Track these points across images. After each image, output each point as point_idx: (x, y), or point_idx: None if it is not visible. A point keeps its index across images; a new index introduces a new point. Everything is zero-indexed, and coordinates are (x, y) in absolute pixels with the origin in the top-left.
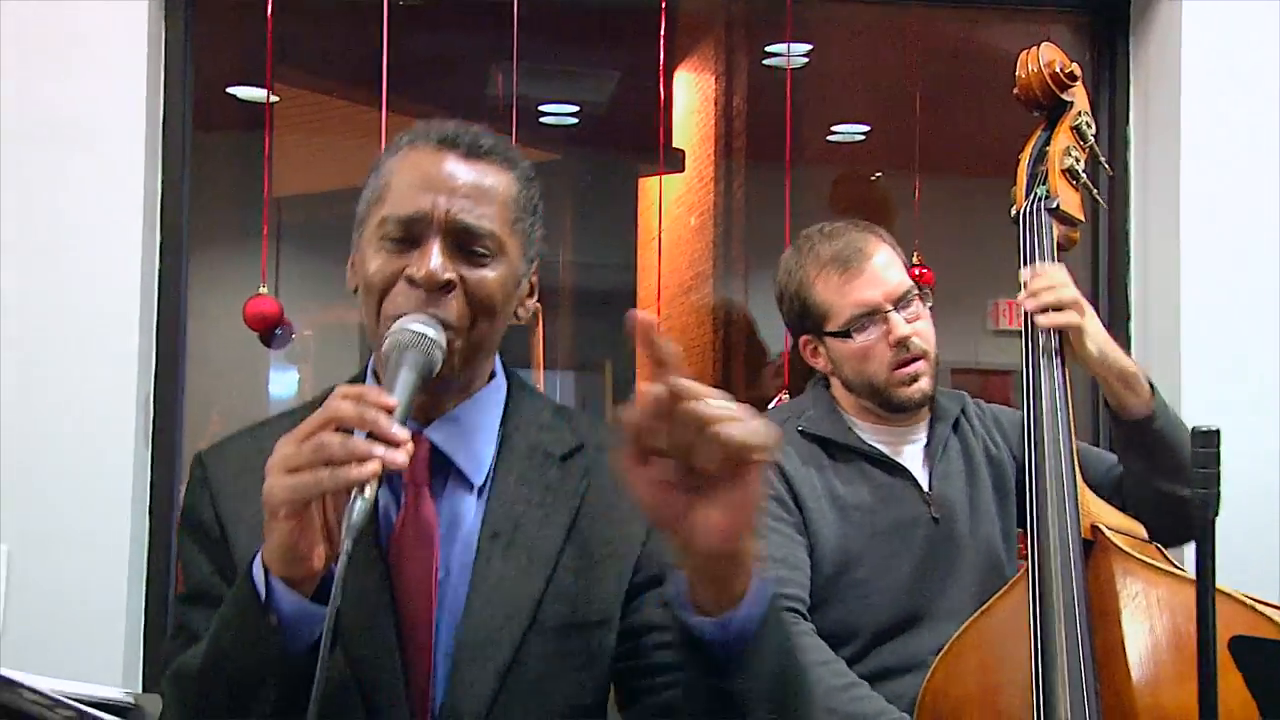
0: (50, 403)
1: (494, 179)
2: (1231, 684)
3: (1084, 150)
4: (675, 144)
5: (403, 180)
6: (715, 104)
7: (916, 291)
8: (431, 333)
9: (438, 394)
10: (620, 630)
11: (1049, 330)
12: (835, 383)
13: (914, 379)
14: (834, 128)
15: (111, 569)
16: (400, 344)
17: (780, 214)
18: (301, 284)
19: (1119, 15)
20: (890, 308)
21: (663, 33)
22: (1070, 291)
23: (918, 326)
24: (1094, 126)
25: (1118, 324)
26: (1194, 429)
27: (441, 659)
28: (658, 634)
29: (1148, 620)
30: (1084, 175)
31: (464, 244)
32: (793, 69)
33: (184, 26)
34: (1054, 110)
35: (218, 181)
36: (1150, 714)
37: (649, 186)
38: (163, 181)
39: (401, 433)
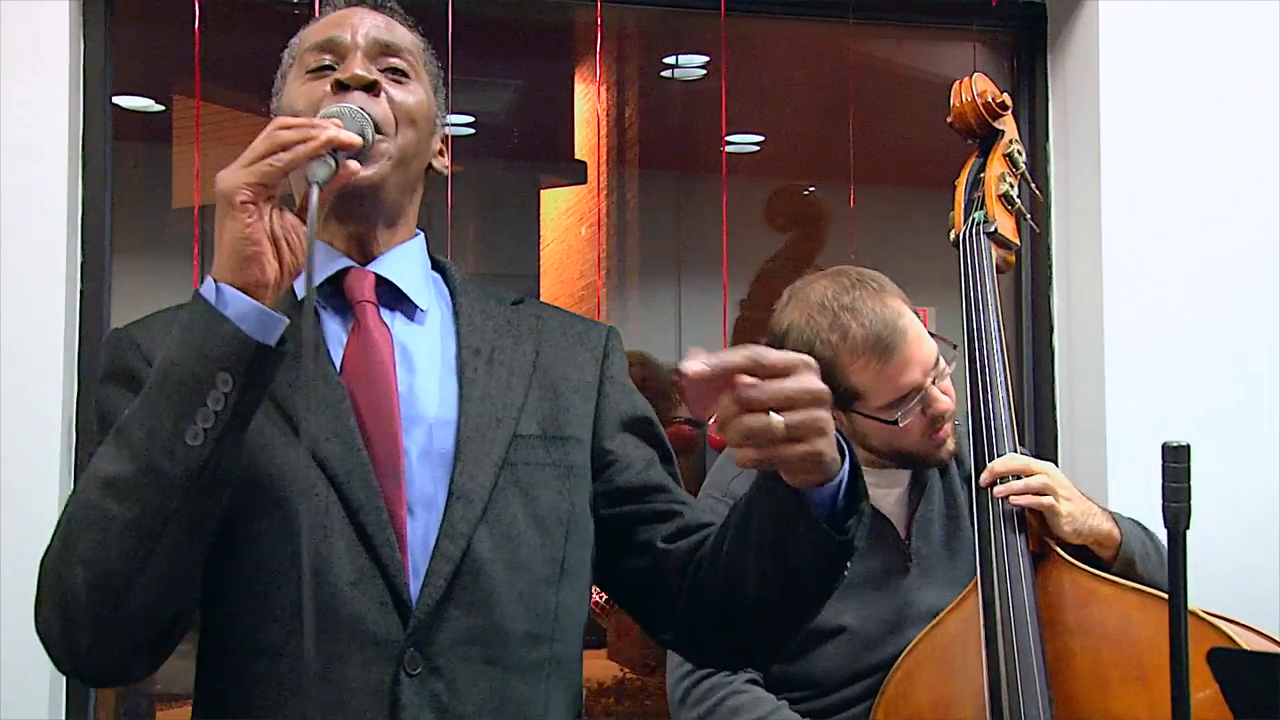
0: None
1: (401, 28)
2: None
3: (1016, 176)
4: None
5: (320, 28)
6: (607, 115)
7: (941, 354)
8: (350, 108)
9: (376, 224)
10: (615, 486)
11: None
12: None
13: (944, 441)
14: (729, 138)
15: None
16: (331, 112)
17: (672, 222)
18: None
19: (1038, 35)
20: (930, 382)
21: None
22: (1038, 481)
23: (949, 390)
24: (1024, 154)
25: (1042, 340)
26: (1165, 444)
27: (420, 456)
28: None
29: (1096, 630)
30: (1018, 200)
31: (383, 58)
32: (689, 81)
33: (104, 34)
34: (986, 138)
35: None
36: (1100, 718)
37: (549, 197)
38: (83, 193)
39: (346, 135)
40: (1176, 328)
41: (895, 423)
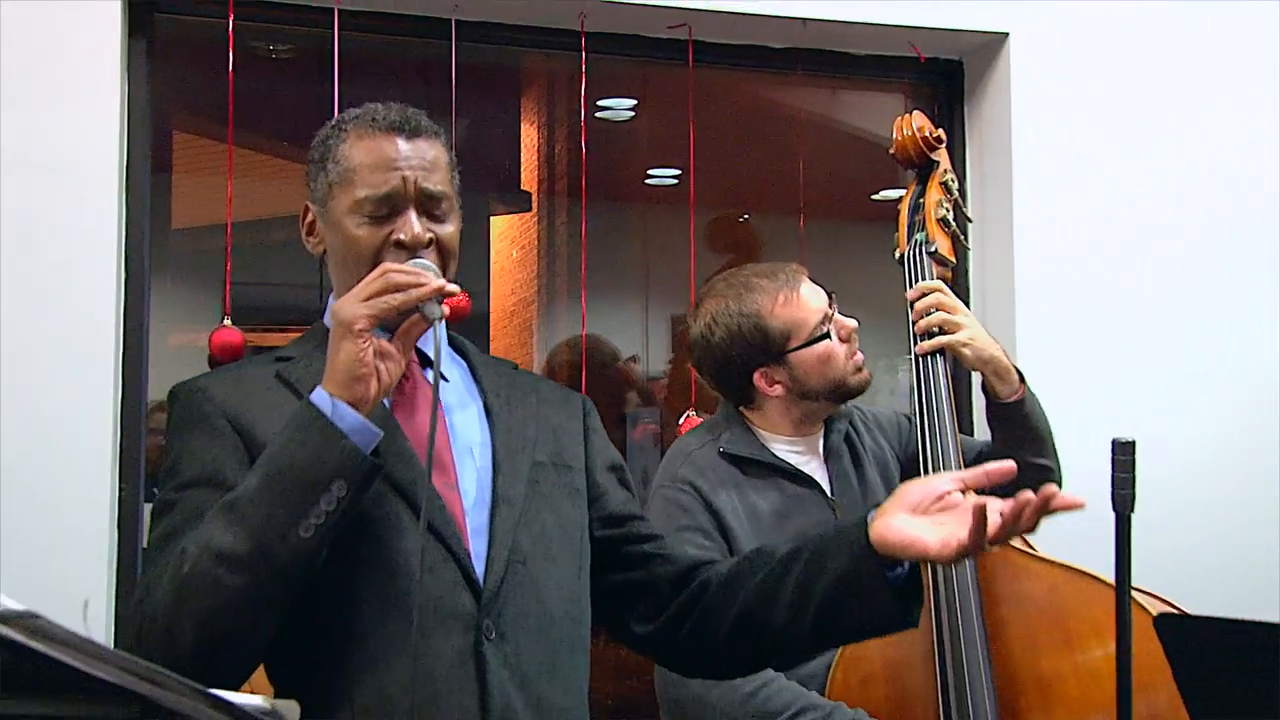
0: (22, 419)
1: (435, 151)
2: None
3: (951, 202)
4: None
5: (368, 163)
6: (539, 150)
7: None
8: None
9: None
10: (608, 511)
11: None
12: (767, 405)
13: (861, 364)
14: (649, 172)
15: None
16: (421, 264)
17: (599, 247)
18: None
19: (956, 88)
20: (834, 311)
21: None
22: (950, 307)
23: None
24: (957, 182)
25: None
26: (1114, 440)
27: (467, 471)
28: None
29: (1027, 600)
30: (953, 223)
31: (429, 209)
32: (617, 121)
33: (146, 71)
34: (924, 168)
35: None
36: (1033, 681)
37: (497, 224)
38: (127, 213)
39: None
40: (1081, 338)
41: (818, 341)
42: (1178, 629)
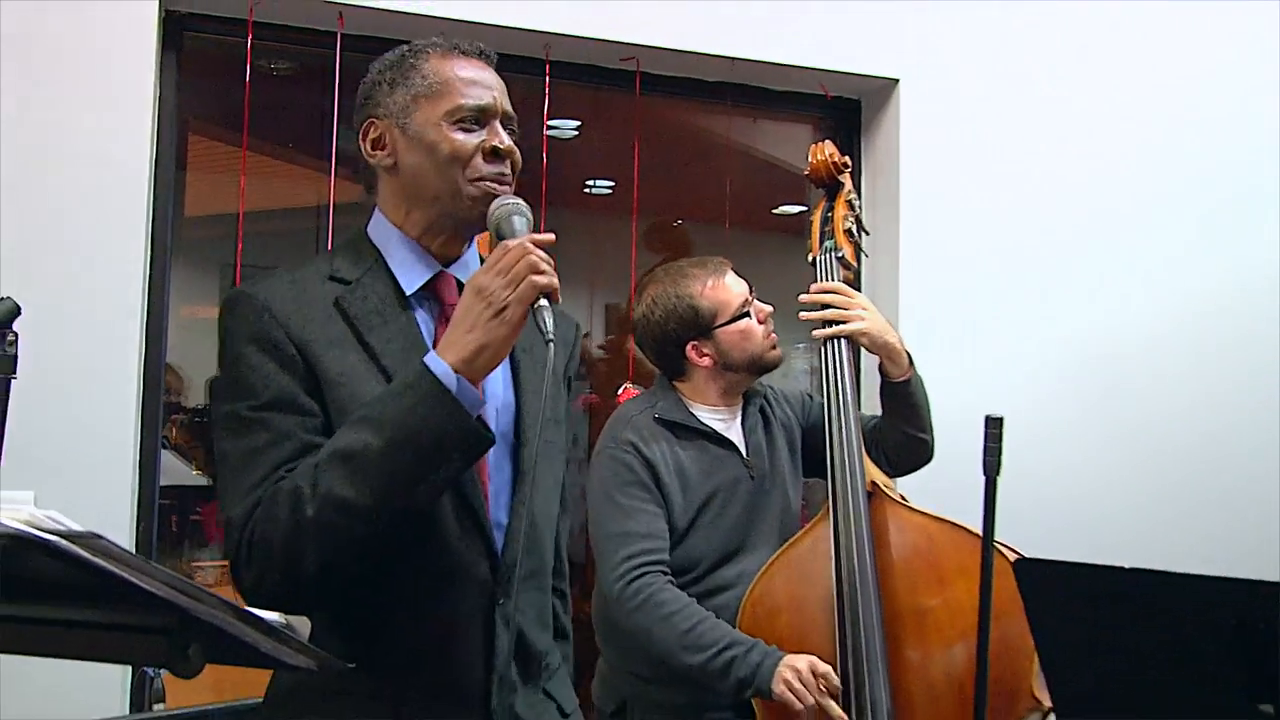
0: (60, 372)
1: (497, 79)
2: (972, 589)
3: (854, 216)
4: None
5: (463, 78)
6: None
7: None
8: (515, 201)
9: (463, 242)
10: None
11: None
12: (696, 376)
13: (775, 342)
14: (588, 182)
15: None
16: (515, 212)
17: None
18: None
19: (854, 121)
20: (753, 297)
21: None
22: (852, 303)
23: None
24: (860, 199)
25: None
26: (987, 417)
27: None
28: None
29: (909, 546)
30: (855, 234)
31: (508, 123)
32: (563, 139)
33: (176, 77)
34: (832, 188)
35: None
36: (912, 612)
37: None
38: (154, 204)
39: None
40: (955, 329)
41: (739, 319)
42: (1033, 571)
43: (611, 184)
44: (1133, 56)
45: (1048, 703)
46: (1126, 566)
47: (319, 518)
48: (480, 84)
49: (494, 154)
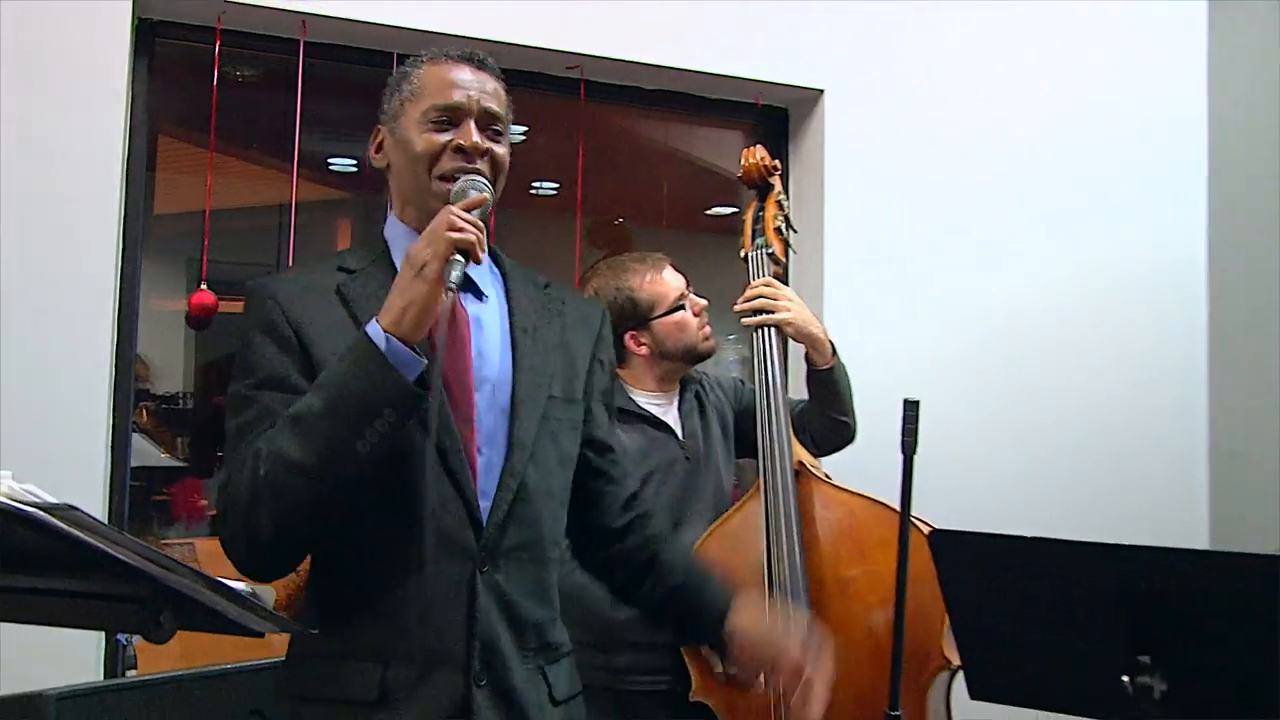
0: (37, 359)
1: (494, 84)
2: (890, 559)
3: (783, 216)
4: None
5: (438, 82)
6: None
7: None
8: (483, 182)
9: None
10: (589, 436)
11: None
12: (634, 363)
13: (710, 334)
14: (534, 183)
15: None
16: (471, 187)
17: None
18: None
19: (783, 129)
20: (689, 291)
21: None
22: (782, 295)
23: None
24: (788, 200)
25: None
26: (905, 400)
27: (486, 408)
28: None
29: (833, 522)
30: (784, 232)
31: (488, 125)
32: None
33: (147, 80)
34: (764, 189)
35: None
36: (834, 581)
37: None
38: (127, 198)
39: (478, 232)
40: (876, 318)
41: (675, 312)
42: (945, 542)
43: (556, 185)
44: (1042, 54)
45: (956, 661)
46: (1028, 536)
47: (270, 477)
48: (458, 85)
49: (459, 151)
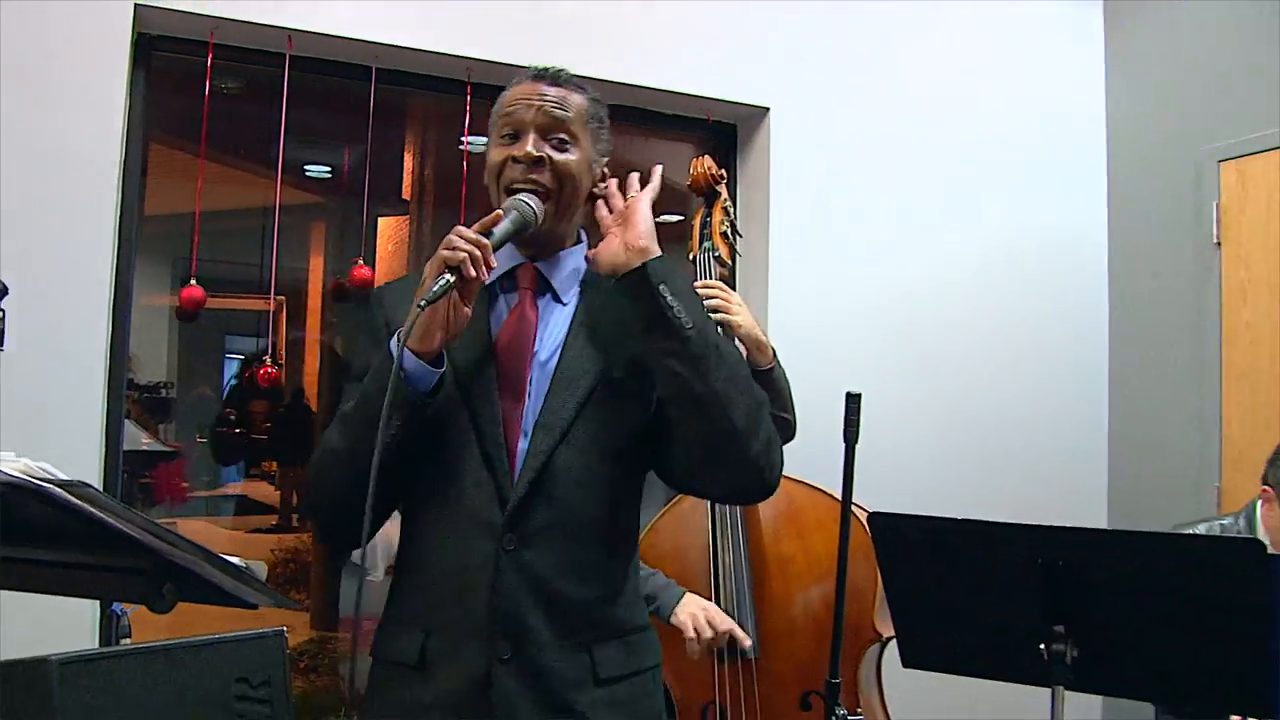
0: (38, 347)
1: (569, 95)
2: (827, 540)
3: (729, 222)
4: (402, 196)
5: (510, 99)
6: (414, 171)
7: None
8: (530, 202)
9: (543, 242)
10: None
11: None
12: None
13: None
14: None
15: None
16: (508, 206)
17: None
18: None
19: (731, 143)
20: None
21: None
22: (729, 297)
23: None
24: (735, 208)
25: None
26: (848, 393)
27: (536, 395)
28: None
29: (773, 505)
30: (730, 236)
31: (552, 134)
32: (476, 152)
33: (144, 86)
34: (710, 196)
35: None
36: (775, 559)
37: (384, 224)
38: (122, 200)
39: (472, 249)
40: (818, 318)
41: None
42: (883, 523)
43: None
44: (962, 68)
45: (887, 633)
46: (958, 518)
47: (319, 460)
48: (524, 100)
49: (518, 162)
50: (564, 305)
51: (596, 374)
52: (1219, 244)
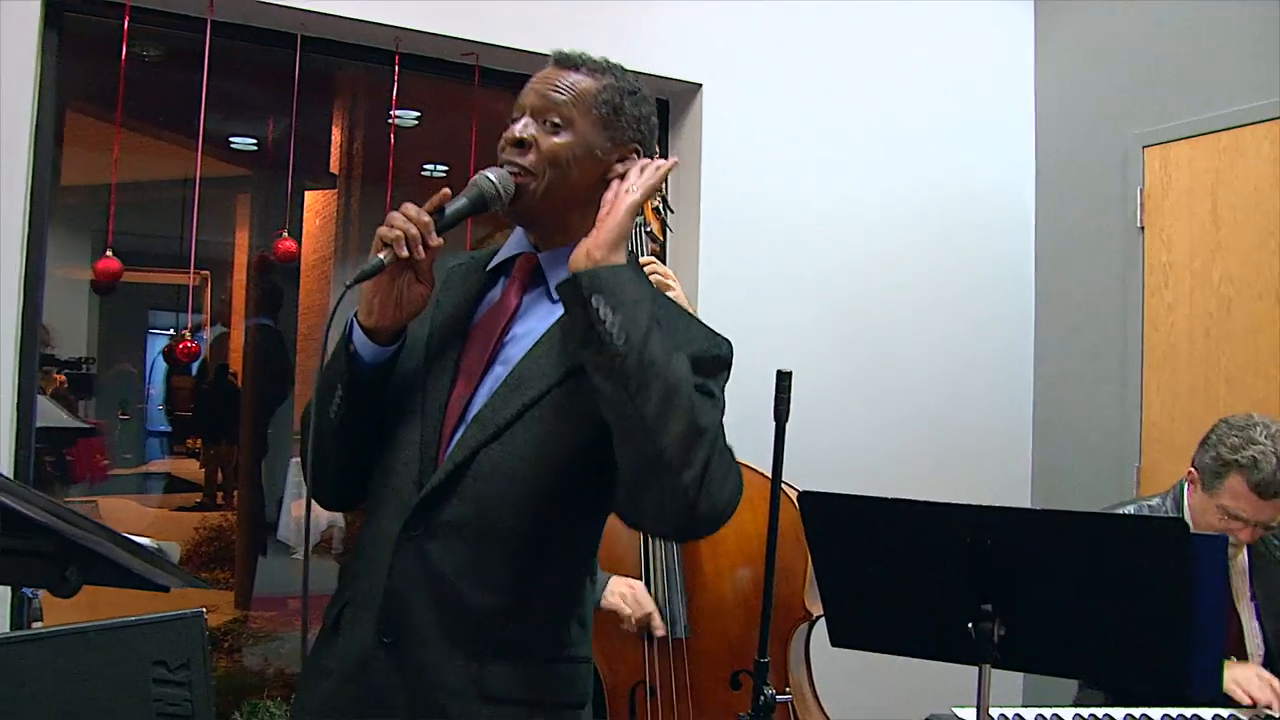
0: None
1: (577, 78)
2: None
3: (660, 197)
4: (330, 170)
5: (528, 84)
6: (343, 145)
7: None
8: (492, 176)
9: (544, 228)
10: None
11: None
12: None
13: None
14: (424, 165)
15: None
16: (471, 181)
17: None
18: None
19: (663, 117)
20: None
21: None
22: (664, 273)
23: None
24: (666, 183)
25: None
26: (778, 371)
27: (489, 387)
28: None
29: None
30: (662, 212)
31: (544, 117)
32: (405, 126)
33: (56, 58)
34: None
35: None
36: (706, 539)
37: (311, 197)
38: (34, 172)
39: (409, 228)
40: (748, 293)
41: None
42: (813, 502)
43: (447, 167)
44: (894, 41)
45: (817, 612)
46: (887, 497)
47: (302, 419)
48: (532, 85)
49: (508, 143)
50: (554, 302)
51: (556, 379)
52: (1142, 228)
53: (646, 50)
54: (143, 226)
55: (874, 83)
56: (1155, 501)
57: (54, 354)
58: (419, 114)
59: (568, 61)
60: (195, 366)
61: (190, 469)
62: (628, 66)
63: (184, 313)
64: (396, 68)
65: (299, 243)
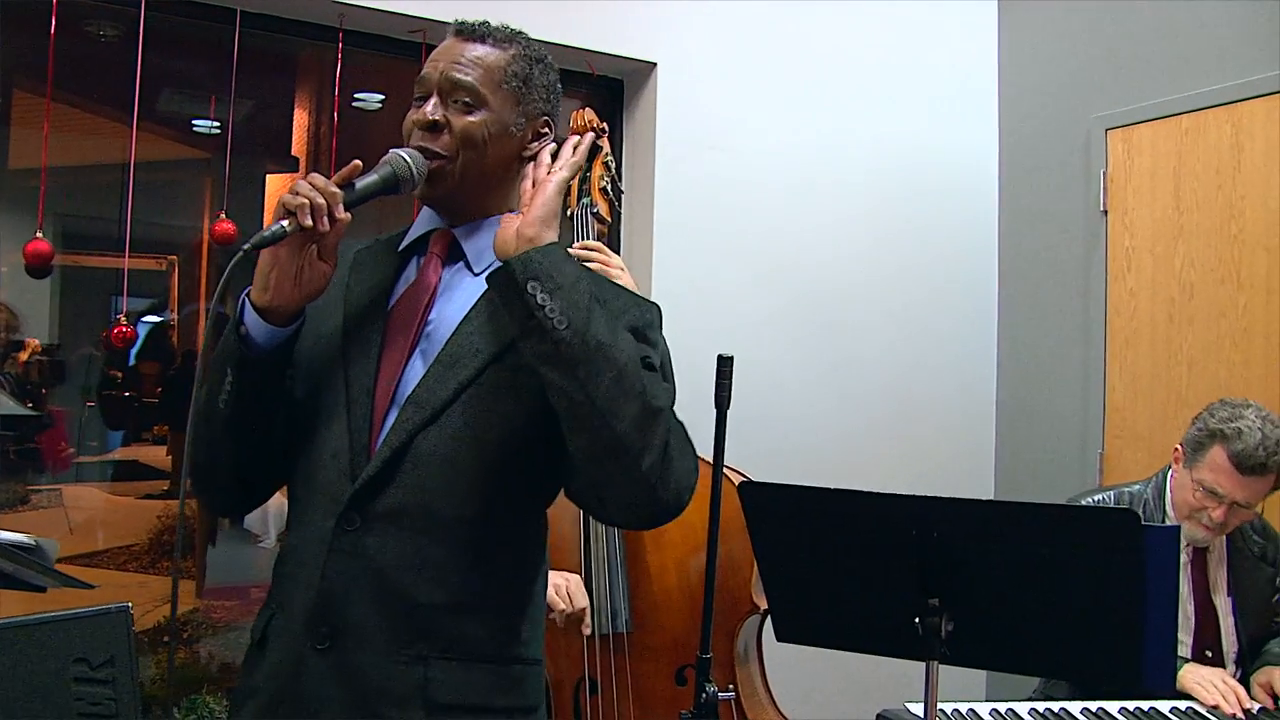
0: None
1: (485, 52)
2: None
3: (609, 177)
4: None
5: (430, 58)
6: (307, 127)
7: None
8: (406, 156)
9: (460, 207)
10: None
11: None
12: None
13: None
14: (389, 149)
15: None
16: (384, 159)
17: None
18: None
19: (618, 97)
20: None
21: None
22: (609, 261)
23: None
24: (615, 163)
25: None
26: (719, 356)
27: (417, 367)
28: None
29: None
30: (610, 192)
31: (455, 97)
32: (369, 110)
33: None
34: (591, 150)
35: None
36: (651, 531)
37: (271, 180)
38: None
39: (315, 196)
40: (698, 276)
41: None
42: (754, 493)
43: None
44: (854, 19)
45: (764, 605)
46: (830, 488)
47: (189, 420)
48: (435, 60)
49: (418, 126)
50: (475, 276)
51: (490, 355)
52: (1105, 212)
53: (600, 28)
54: (111, 211)
55: (834, 62)
56: (1136, 488)
57: (20, 339)
58: (384, 97)
59: (472, 33)
60: (133, 353)
61: (156, 456)
62: (580, 46)
63: (150, 298)
64: (340, 44)
65: (261, 222)
